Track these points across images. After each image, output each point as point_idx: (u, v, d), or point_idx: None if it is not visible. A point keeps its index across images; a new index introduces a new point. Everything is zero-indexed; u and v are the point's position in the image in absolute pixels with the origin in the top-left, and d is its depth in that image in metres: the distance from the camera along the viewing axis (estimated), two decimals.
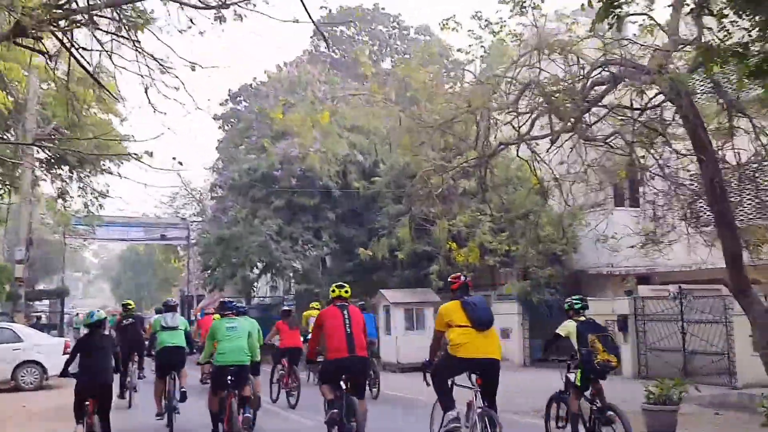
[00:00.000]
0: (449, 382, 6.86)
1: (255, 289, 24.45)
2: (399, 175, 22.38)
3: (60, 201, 27.16)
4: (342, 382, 7.35)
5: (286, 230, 22.51)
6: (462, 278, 7.07)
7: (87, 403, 7.46)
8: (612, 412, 7.12)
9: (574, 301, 7.79)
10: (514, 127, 12.47)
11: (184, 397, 9.95)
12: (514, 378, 15.30)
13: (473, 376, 6.80)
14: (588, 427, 7.42)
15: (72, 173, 26.34)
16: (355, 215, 23.98)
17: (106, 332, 9.17)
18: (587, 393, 7.46)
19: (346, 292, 7.80)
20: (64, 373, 7.92)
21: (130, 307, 13.65)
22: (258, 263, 22.27)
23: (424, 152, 15.84)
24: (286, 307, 14.79)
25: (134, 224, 32.16)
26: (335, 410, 7.20)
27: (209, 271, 25.02)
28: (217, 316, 10.92)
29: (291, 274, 22.45)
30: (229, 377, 8.28)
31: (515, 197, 16.48)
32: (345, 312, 7.43)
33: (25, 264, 17.00)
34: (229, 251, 22.58)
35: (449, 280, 7.31)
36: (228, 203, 23.02)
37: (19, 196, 17.33)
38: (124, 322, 13.15)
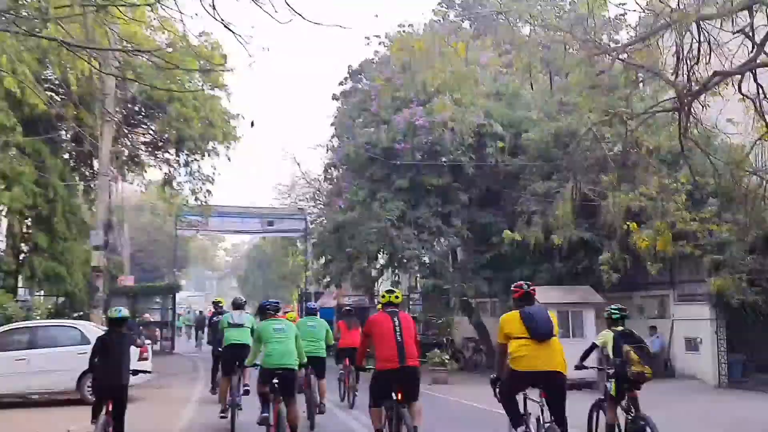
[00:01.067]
0: (520, 397, 6.74)
1: (377, 285, 20.95)
2: (548, 147, 18.10)
3: (167, 188, 25.24)
4: (393, 393, 7.09)
5: (409, 215, 18.88)
6: (524, 287, 6.81)
7: (105, 403, 7.34)
8: (644, 422, 7.02)
9: (612, 311, 7.73)
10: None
11: (247, 392, 10.19)
12: (704, 403, 13.48)
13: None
14: None
15: (178, 156, 24.29)
16: (493, 197, 19.92)
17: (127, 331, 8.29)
18: (623, 402, 7.41)
19: (396, 297, 7.49)
20: (90, 370, 7.93)
21: (220, 304, 14.05)
22: (378, 254, 18.73)
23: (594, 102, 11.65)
24: (347, 307, 15.42)
25: (248, 215, 29.84)
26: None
27: (323, 265, 21.94)
28: (292, 314, 11.65)
29: (416, 268, 18.70)
30: (275, 381, 7.99)
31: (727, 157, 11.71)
32: (395, 319, 7.15)
33: (103, 251, 14.42)
34: (344, 240, 19.29)
35: (512, 289, 6.94)
36: (344, 185, 19.69)
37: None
38: (214, 318, 13.62)
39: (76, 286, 20.15)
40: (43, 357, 12.44)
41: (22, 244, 18.92)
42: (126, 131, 22.66)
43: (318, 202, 31.57)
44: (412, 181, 18.99)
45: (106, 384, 7.41)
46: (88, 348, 12.12)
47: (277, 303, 9.08)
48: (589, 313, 16.15)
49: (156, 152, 24.43)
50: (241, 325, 10.78)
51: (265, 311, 8.76)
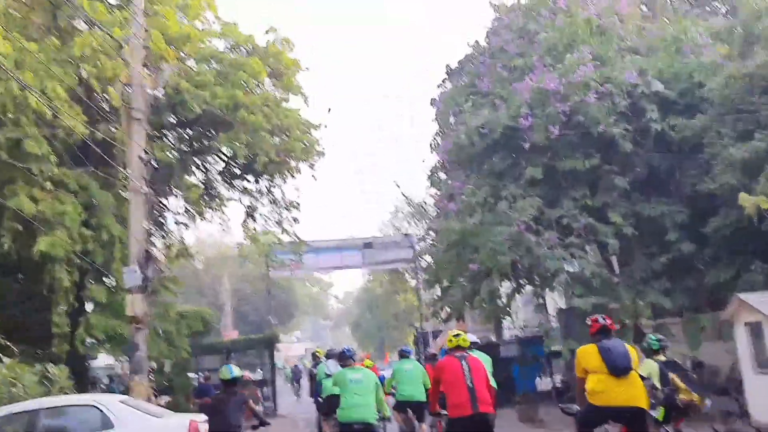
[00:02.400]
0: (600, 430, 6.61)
1: (510, 313, 15.86)
2: (742, 95, 12.86)
3: (251, 221, 21.67)
4: None
5: (548, 214, 14.08)
6: (600, 321, 6.62)
7: None
8: None
9: (652, 341, 8.05)
10: None
11: None
12: None
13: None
14: None
15: (258, 181, 20.70)
16: (661, 178, 14.72)
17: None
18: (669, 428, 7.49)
19: (464, 340, 7.13)
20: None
21: (319, 354, 14.01)
22: (512, 270, 13.91)
23: None
24: (432, 350, 14.86)
25: (347, 247, 25.80)
26: None
27: (439, 293, 17.39)
28: (369, 362, 11.19)
29: (564, 283, 13.63)
30: None
31: None
32: (464, 363, 6.81)
33: (143, 293, 10.33)
34: (464, 257, 14.71)
35: (587, 323, 6.79)
36: (456, 185, 15.13)
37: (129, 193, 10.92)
38: (314, 370, 13.46)
39: None
40: None
41: (74, 301, 15.60)
42: (192, 154, 19.36)
43: (426, 224, 27.26)
44: (547, 169, 14.23)
45: None
46: None
47: (350, 350, 8.59)
48: None
49: (233, 180, 20.96)
50: None
51: (344, 360, 8.22)
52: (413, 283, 31.07)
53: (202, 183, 21.23)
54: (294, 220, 20.28)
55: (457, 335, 7.20)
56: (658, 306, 13.93)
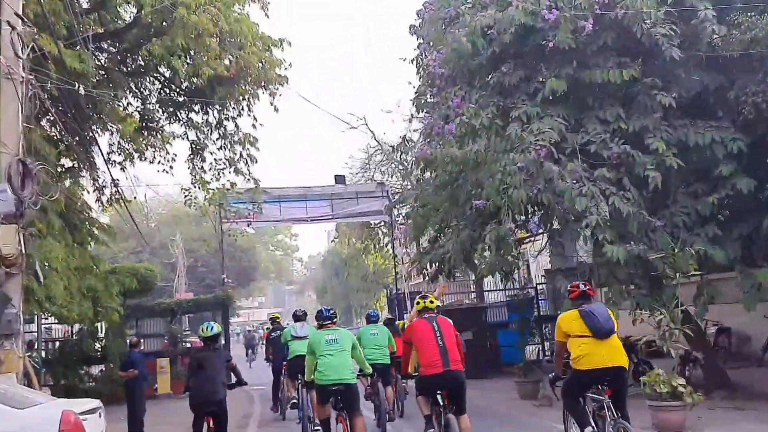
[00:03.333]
0: (581, 398, 6.68)
1: (521, 262, 12.67)
2: None
3: (198, 161, 18.28)
4: (439, 398, 7.05)
5: (572, 140, 11.01)
6: (581, 287, 6.83)
7: (205, 420, 7.41)
8: None
9: None
10: None
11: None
12: None
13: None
14: None
15: (207, 112, 17.23)
16: (712, 98, 11.67)
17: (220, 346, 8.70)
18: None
19: (431, 302, 7.52)
20: (186, 389, 8.17)
21: (278, 320, 14.62)
22: (529, 209, 10.79)
23: None
24: (390, 317, 15.24)
25: (313, 197, 22.47)
26: (432, 428, 7.06)
27: (425, 246, 14.32)
28: None
29: (594, 226, 10.48)
30: (332, 398, 7.63)
31: None
32: (434, 324, 7.21)
33: (16, 222, 6.93)
34: (461, 194, 11.61)
35: (568, 289, 7.08)
36: (453, 104, 11.83)
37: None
38: (272, 335, 13.87)
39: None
40: None
41: None
42: (126, 76, 15.80)
43: (401, 172, 24.03)
44: (571, 82, 11.11)
45: (204, 401, 7.43)
46: None
47: (330, 309, 8.52)
48: None
49: (177, 111, 17.38)
50: (304, 337, 10.53)
51: (322, 319, 8.20)
52: (386, 240, 27.97)
53: (139, 113, 17.66)
54: (250, 159, 16.96)
55: (424, 297, 7.61)
56: (705, 257, 11.05)
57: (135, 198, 19.23)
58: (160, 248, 41.71)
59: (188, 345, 20.96)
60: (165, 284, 41.21)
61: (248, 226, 20.95)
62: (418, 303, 7.58)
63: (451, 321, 7.51)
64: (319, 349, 7.69)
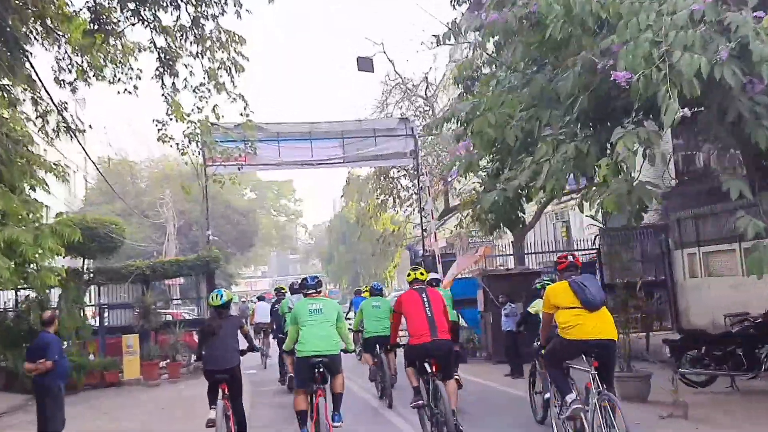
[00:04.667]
0: (565, 366, 6.64)
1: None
2: None
3: (167, 78, 13.95)
4: (427, 366, 7.27)
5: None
6: (569, 258, 6.68)
7: (220, 387, 7.34)
8: None
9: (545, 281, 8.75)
10: None
11: None
12: None
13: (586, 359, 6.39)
14: None
15: (179, 7, 12.95)
16: None
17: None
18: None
19: (422, 274, 7.81)
20: (198, 357, 8.01)
21: (283, 291, 13.61)
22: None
23: None
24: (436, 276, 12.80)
25: (319, 137, 18.04)
26: (420, 400, 7.37)
27: (485, 178, 10.11)
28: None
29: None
30: (314, 370, 7.13)
31: None
32: (423, 295, 7.40)
33: None
34: (564, 77, 7.36)
35: (555, 261, 6.93)
36: None
37: None
38: (276, 306, 13.36)
39: None
40: None
41: None
42: None
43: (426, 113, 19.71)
44: None
45: (218, 368, 7.34)
46: None
47: (315, 277, 7.93)
48: None
49: (140, 8, 13.01)
50: None
51: (305, 288, 7.70)
52: (406, 194, 23.71)
53: (90, 10, 13.34)
54: (235, 67, 12.73)
55: (415, 269, 8.01)
56: None
57: (90, 127, 15.03)
58: (150, 210, 37.76)
59: (166, 317, 17.01)
60: (155, 246, 37.39)
61: (239, 170, 16.74)
62: (409, 275, 7.89)
63: (442, 294, 7.92)
64: (301, 319, 7.33)
